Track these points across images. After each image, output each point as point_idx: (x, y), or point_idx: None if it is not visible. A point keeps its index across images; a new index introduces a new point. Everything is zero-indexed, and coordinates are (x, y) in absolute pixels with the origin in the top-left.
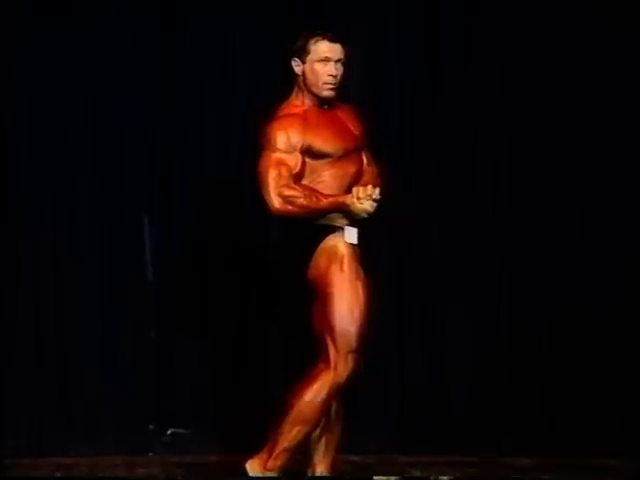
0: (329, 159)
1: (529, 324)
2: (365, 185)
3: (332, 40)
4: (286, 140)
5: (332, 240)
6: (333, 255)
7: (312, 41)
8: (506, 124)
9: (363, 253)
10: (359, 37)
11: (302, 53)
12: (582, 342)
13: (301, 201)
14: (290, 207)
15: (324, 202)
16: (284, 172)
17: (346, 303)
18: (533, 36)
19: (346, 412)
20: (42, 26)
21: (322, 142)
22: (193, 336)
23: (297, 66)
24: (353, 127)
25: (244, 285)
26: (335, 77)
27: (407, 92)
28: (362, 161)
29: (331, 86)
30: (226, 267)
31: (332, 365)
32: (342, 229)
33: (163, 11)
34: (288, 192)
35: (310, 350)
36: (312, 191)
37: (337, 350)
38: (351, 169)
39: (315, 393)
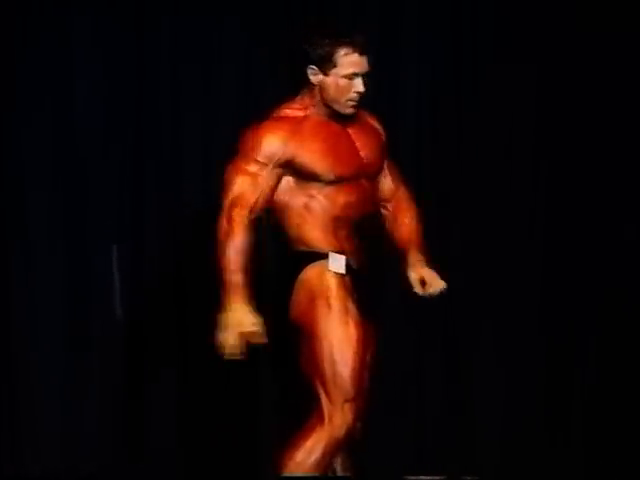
0: (317, 183)
1: (571, 354)
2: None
3: (362, 52)
4: (262, 148)
5: (313, 270)
6: (316, 288)
7: (341, 52)
8: (544, 133)
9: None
10: (369, 36)
11: (325, 63)
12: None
13: (228, 241)
14: (220, 236)
15: (232, 277)
16: (248, 186)
17: (336, 344)
18: (576, 32)
19: (357, 465)
20: None
21: (309, 158)
22: (167, 383)
23: (314, 75)
24: (364, 147)
25: None
26: (362, 94)
27: (426, 99)
28: (365, 192)
29: (355, 103)
30: (206, 303)
31: (326, 418)
32: (325, 256)
33: (134, 9)
34: (235, 214)
35: (304, 398)
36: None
37: (331, 400)
38: (341, 199)
39: (307, 453)
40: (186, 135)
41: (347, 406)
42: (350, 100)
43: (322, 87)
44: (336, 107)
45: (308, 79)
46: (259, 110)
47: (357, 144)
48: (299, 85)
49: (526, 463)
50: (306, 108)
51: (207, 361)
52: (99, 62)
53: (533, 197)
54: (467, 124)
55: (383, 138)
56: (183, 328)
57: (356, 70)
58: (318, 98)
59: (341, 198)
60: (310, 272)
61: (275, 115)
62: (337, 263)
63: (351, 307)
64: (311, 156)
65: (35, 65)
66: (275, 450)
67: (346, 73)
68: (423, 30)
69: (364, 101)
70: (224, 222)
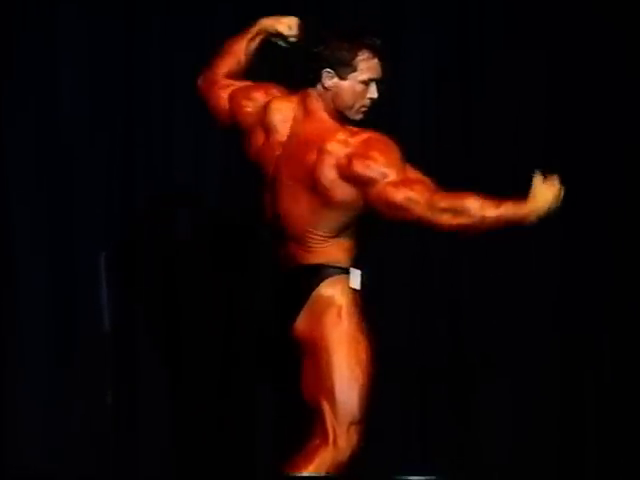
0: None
1: (582, 381)
2: None
3: (381, 58)
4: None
5: (329, 285)
6: (329, 303)
7: (362, 56)
8: (554, 128)
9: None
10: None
11: (344, 67)
12: None
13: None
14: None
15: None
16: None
17: (346, 364)
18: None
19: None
20: None
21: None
22: (160, 403)
23: (330, 79)
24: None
25: (224, 340)
26: (374, 101)
27: (430, 88)
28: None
29: (366, 110)
30: (202, 317)
31: (330, 439)
32: (345, 271)
33: (123, 4)
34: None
35: (304, 419)
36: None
37: (337, 422)
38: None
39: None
40: (176, 137)
41: (353, 429)
42: (363, 106)
43: (337, 92)
44: (347, 113)
45: (319, 83)
46: None
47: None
48: (304, 87)
49: None
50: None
51: (202, 374)
52: (85, 56)
53: None
54: (474, 114)
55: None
56: (177, 343)
57: (374, 75)
58: (326, 102)
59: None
60: (328, 287)
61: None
62: (356, 279)
63: (363, 324)
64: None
65: (21, 64)
66: (274, 470)
67: (364, 78)
68: (426, 15)
69: None
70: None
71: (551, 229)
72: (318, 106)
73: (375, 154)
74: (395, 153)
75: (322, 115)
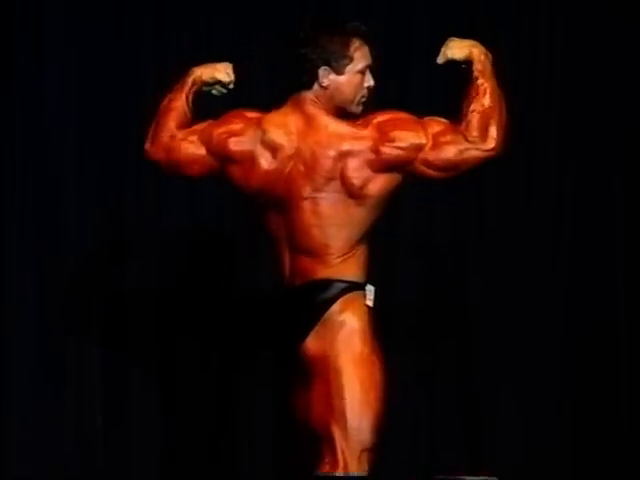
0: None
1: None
2: None
3: (370, 43)
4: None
5: (344, 303)
6: (342, 322)
7: (354, 45)
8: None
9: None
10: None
11: (340, 61)
12: None
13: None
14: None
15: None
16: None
17: (359, 386)
18: None
19: None
20: None
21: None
22: (151, 428)
23: (326, 76)
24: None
25: (221, 363)
26: (372, 89)
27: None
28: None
29: (365, 99)
30: (200, 337)
31: (340, 465)
32: (361, 287)
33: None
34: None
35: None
36: None
37: (348, 447)
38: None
39: None
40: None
41: (364, 456)
42: (363, 97)
43: (336, 87)
44: (349, 107)
45: (316, 83)
46: None
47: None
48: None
49: None
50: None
51: (200, 402)
52: (74, 67)
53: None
54: None
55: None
56: (170, 364)
57: (368, 62)
58: (325, 102)
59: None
60: (343, 304)
61: None
62: (371, 296)
63: (377, 344)
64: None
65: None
66: None
67: (360, 67)
68: (434, 16)
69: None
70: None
71: (559, 242)
72: (317, 110)
73: (396, 133)
74: (408, 119)
75: (324, 119)
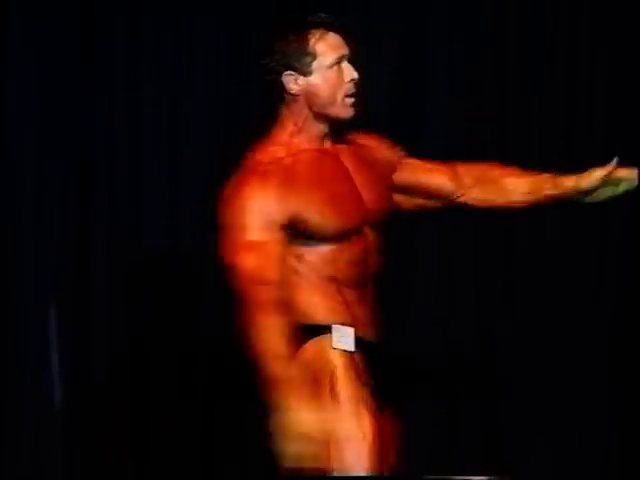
0: (312, 240)
1: None
2: None
3: (336, 29)
4: (255, 210)
5: (313, 348)
6: (318, 371)
7: (314, 37)
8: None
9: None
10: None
11: (302, 59)
12: None
13: (260, 326)
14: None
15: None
16: (259, 259)
17: (347, 443)
18: None
19: None
20: None
21: (316, 212)
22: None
23: (294, 82)
24: (365, 185)
25: (193, 411)
26: (357, 83)
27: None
28: (371, 244)
29: (353, 99)
30: (170, 384)
31: None
32: (328, 330)
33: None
34: (257, 292)
35: None
36: None
37: None
38: (345, 256)
39: None
40: (146, 160)
41: None
42: (347, 96)
43: (309, 93)
44: (333, 113)
45: (286, 93)
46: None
47: (357, 182)
48: (276, 106)
49: None
50: (288, 144)
51: (170, 457)
52: (33, 71)
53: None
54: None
55: (384, 157)
56: (141, 410)
57: (340, 52)
58: (305, 112)
59: (344, 255)
60: (309, 351)
61: (252, 166)
62: (343, 338)
63: (363, 393)
64: (317, 208)
65: None
66: None
67: (331, 60)
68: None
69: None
70: (249, 312)
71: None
72: (302, 136)
73: (377, 139)
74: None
75: (316, 142)
